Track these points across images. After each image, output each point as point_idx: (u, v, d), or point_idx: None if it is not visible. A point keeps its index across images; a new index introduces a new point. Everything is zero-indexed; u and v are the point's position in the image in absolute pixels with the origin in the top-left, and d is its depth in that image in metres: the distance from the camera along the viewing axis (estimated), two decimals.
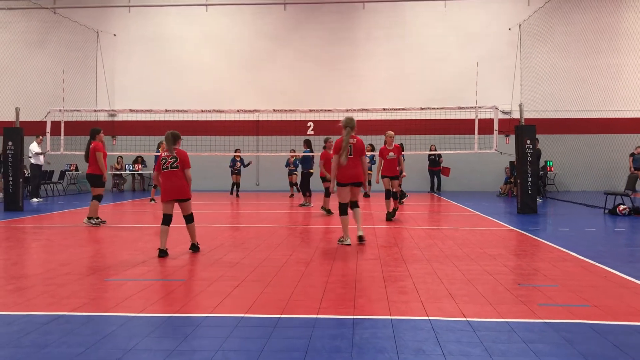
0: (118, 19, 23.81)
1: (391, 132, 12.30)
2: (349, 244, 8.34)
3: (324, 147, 13.37)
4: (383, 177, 12.13)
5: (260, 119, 21.65)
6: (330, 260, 7.19)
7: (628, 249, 8.53)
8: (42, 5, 22.57)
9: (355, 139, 8.66)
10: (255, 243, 8.77)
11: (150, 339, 4.10)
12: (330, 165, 10.19)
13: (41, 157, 17.47)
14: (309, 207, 15.10)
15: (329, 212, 13.17)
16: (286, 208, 15.44)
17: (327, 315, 4.69)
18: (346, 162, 8.42)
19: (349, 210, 8.62)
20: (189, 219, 7.96)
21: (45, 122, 15.82)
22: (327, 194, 13.13)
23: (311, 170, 16.15)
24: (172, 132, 8.00)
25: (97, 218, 11.30)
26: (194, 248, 7.96)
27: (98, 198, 11.26)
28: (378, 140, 19.68)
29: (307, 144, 16.15)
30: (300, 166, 16.59)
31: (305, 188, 15.90)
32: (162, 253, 7.57)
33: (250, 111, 17.35)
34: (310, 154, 16.08)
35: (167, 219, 7.76)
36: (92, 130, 11.69)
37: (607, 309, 4.88)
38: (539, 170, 18.25)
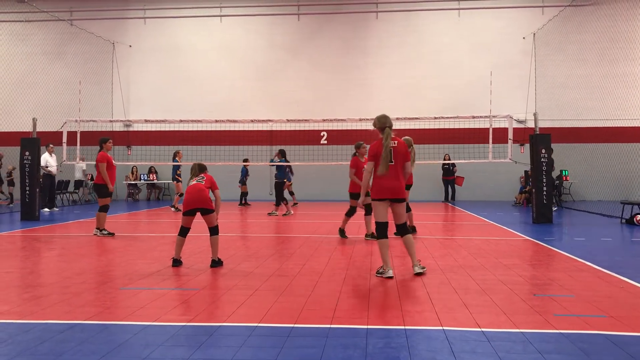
0: (133, 30, 24.09)
1: (409, 138, 11.32)
2: (391, 277, 6.66)
3: (355, 154, 11.07)
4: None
5: (274, 128, 21.73)
6: (343, 270, 7.17)
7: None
8: (59, 17, 22.93)
9: (396, 141, 7.04)
10: (268, 252, 8.78)
11: (164, 348, 4.12)
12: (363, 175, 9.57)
13: (53, 167, 17.56)
14: (290, 216, 15.43)
15: (374, 236, 10.43)
16: (297, 217, 15.44)
17: (341, 325, 4.68)
18: (386, 171, 6.85)
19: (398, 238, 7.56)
20: (213, 230, 7.83)
21: (62, 132, 16.01)
22: (368, 211, 10.28)
23: (285, 180, 16.34)
24: (199, 163, 8.14)
25: (104, 230, 11.17)
26: (214, 264, 7.58)
27: (104, 209, 11.14)
28: None
29: (282, 153, 16.24)
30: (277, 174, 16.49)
31: (279, 197, 16.17)
32: (176, 263, 7.62)
33: (263, 121, 17.42)
34: (285, 164, 16.11)
35: (184, 231, 7.82)
36: (100, 140, 11.68)
37: (623, 320, 4.82)
38: (554, 179, 18.14)
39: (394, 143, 6.97)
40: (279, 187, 16.18)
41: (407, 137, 11.17)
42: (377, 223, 6.90)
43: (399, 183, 6.86)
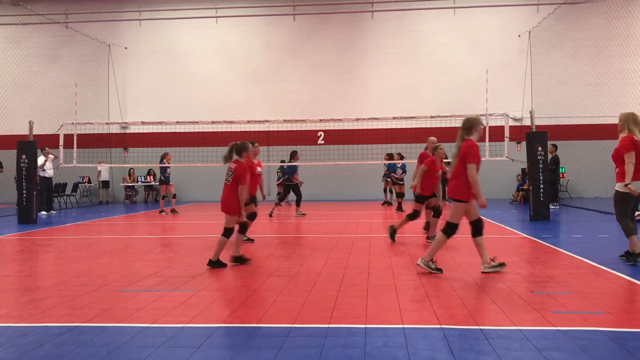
0: (129, 33, 24.06)
1: (434, 139, 11.02)
2: (440, 271, 6.88)
3: (429, 150, 10.45)
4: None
5: (271, 129, 21.73)
6: (341, 270, 7.18)
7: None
8: (55, 20, 22.89)
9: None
10: (266, 253, 8.78)
11: (163, 350, 4.12)
12: (422, 176, 9.64)
13: (49, 170, 17.46)
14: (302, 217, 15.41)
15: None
16: (294, 218, 15.44)
17: (339, 324, 4.69)
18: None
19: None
20: (223, 231, 7.66)
21: (58, 135, 15.99)
22: (437, 213, 10.13)
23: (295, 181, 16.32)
24: (235, 143, 7.96)
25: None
26: (210, 264, 7.50)
27: (252, 217, 9.75)
28: (387, 149, 19.69)
29: (292, 155, 16.31)
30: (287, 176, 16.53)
31: (283, 198, 16.42)
32: (213, 264, 7.51)
33: (260, 122, 17.43)
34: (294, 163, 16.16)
35: (227, 232, 7.67)
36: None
37: (621, 316, 4.84)
38: (558, 177, 18.17)
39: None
40: (289, 187, 16.22)
41: (432, 137, 11.09)
42: (451, 224, 6.97)
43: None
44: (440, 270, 6.87)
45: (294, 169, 16.05)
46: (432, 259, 6.92)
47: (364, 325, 4.63)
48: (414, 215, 9.83)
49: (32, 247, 10.14)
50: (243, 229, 7.82)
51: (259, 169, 10.31)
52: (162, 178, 17.33)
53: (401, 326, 4.61)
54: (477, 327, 4.55)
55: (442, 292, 5.83)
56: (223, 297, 5.74)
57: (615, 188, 7.65)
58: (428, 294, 5.76)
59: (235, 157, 7.85)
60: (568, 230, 11.79)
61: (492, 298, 5.55)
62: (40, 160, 17.09)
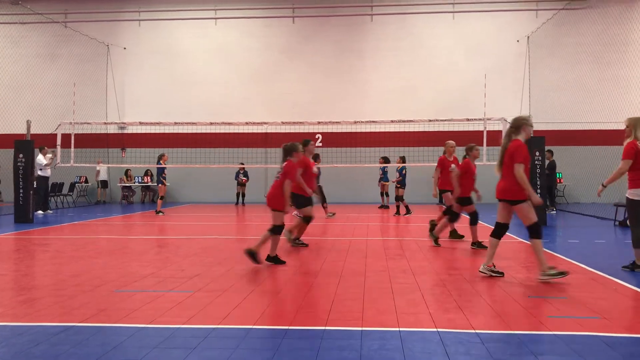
0: (128, 33, 24.06)
1: (452, 142, 10.86)
2: (501, 274, 6.82)
3: (466, 156, 10.06)
4: (444, 192, 10.51)
5: (269, 130, 21.75)
6: (338, 272, 7.18)
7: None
8: (54, 19, 22.88)
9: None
10: (264, 254, 8.76)
11: (159, 350, 4.11)
12: (458, 180, 9.62)
13: (48, 169, 17.44)
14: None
15: (481, 245, 9.46)
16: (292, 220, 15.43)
17: (335, 327, 4.69)
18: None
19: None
20: (270, 228, 7.74)
21: (56, 134, 15.97)
22: (454, 217, 9.98)
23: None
24: (285, 145, 8.16)
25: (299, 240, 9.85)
26: (248, 253, 7.58)
27: (307, 220, 9.66)
28: (385, 152, 19.69)
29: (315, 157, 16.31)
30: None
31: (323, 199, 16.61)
32: (272, 260, 7.78)
33: (258, 123, 17.45)
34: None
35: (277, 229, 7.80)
36: (302, 142, 9.84)
37: (617, 321, 4.85)
38: (554, 182, 18.20)
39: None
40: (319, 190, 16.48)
41: (451, 141, 11.00)
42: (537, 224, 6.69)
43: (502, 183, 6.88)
44: (501, 273, 6.79)
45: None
46: (548, 266, 6.59)
47: (360, 328, 4.63)
48: (454, 218, 9.94)
49: (29, 246, 10.12)
50: (277, 230, 7.78)
51: (315, 168, 10.12)
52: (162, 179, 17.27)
53: (397, 329, 4.61)
54: (473, 331, 4.55)
55: (438, 296, 5.83)
56: (220, 298, 5.73)
57: (626, 195, 7.49)
58: (424, 297, 5.77)
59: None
60: (565, 236, 11.81)
61: (489, 302, 5.56)
62: (47, 159, 17.05)
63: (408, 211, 16.50)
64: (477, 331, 4.55)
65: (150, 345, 4.21)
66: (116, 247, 9.76)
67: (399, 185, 16.96)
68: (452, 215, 9.93)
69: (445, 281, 6.60)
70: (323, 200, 16.38)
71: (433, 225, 10.27)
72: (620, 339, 4.37)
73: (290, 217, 12.49)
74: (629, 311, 5.23)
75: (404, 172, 17.01)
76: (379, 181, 19.52)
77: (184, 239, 11.18)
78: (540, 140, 13.83)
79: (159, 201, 17.20)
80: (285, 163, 7.93)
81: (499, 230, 6.92)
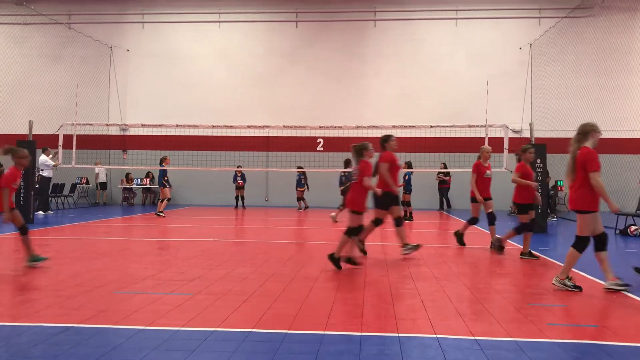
0: (132, 35, 24.11)
1: (489, 147, 10.34)
2: (579, 289, 6.39)
3: (519, 159, 9.50)
4: (473, 200, 10.25)
5: (270, 134, 21.76)
6: (338, 277, 7.18)
7: None
8: (58, 20, 22.93)
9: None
10: (263, 258, 8.77)
11: (157, 352, 4.11)
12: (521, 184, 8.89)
13: (51, 170, 17.43)
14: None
15: (532, 256, 9.07)
16: (292, 224, 15.43)
17: (335, 331, 4.69)
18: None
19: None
20: (347, 230, 7.68)
21: (58, 135, 15.98)
22: (492, 220, 9.72)
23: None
24: (353, 146, 8.12)
25: (409, 245, 9.01)
26: (331, 259, 7.63)
27: (399, 222, 8.93)
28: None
29: (346, 163, 16.80)
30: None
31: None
32: (353, 261, 7.79)
33: (260, 127, 17.46)
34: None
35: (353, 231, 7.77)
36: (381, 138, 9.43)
37: (616, 330, 4.84)
38: (549, 189, 18.19)
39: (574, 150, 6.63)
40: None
41: (487, 146, 10.51)
42: (584, 238, 6.49)
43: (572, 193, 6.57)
44: (579, 288, 6.41)
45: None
46: (567, 276, 6.46)
47: (359, 333, 4.62)
48: (524, 227, 9.02)
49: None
50: (354, 232, 7.68)
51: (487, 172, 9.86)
52: (163, 181, 17.23)
53: (396, 335, 4.61)
54: (473, 338, 4.55)
55: (438, 302, 5.83)
56: (219, 301, 5.72)
57: None
58: (424, 303, 5.76)
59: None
60: (565, 243, 11.78)
61: (488, 309, 5.55)
62: (43, 158, 17.06)
63: (409, 217, 16.57)
64: (477, 338, 4.54)
65: (149, 347, 4.21)
66: (116, 249, 9.75)
67: (404, 191, 17.00)
68: (525, 226, 8.98)
69: (445, 287, 6.59)
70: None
71: (499, 244, 9.62)
72: (620, 348, 4.36)
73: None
74: (628, 320, 5.22)
75: (405, 177, 17.03)
76: None
77: (183, 241, 11.18)
78: (542, 148, 13.85)
79: (160, 203, 17.18)
80: (359, 164, 7.84)
81: (602, 241, 6.52)
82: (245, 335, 4.56)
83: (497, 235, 10.00)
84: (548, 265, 8.43)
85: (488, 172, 9.97)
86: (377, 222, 8.89)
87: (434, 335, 4.59)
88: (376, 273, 7.51)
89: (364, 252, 9.01)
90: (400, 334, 4.62)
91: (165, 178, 17.11)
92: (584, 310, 5.51)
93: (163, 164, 16.96)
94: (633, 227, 12.82)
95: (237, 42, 23.79)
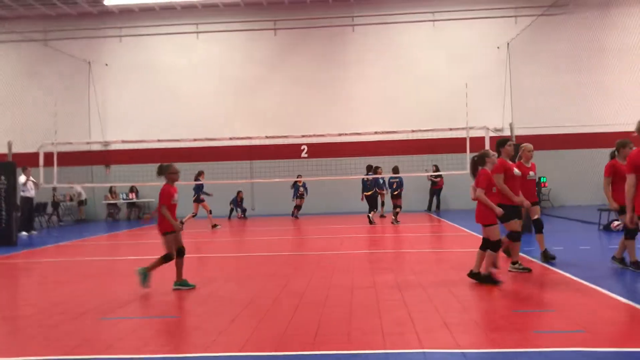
0: (109, 49, 23.96)
1: (530, 145, 9.02)
2: None
3: (614, 156, 8.42)
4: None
5: (253, 143, 21.71)
6: (324, 290, 7.14)
7: (623, 268, 8.45)
8: (33, 38, 22.72)
9: None
10: (247, 273, 8.72)
11: None
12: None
13: (30, 190, 17.18)
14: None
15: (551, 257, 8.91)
16: (277, 233, 15.39)
17: (322, 351, 4.67)
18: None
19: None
20: (482, 245, 7.25)
21: (38, 153, 15.80)
22: (516, 237, 7.99)
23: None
24: (476, 154, 7.54)
25: (519, 263, 8.09)
26: (472, 275, 7.23)
27: (515, 237, 8.02)
28: (370, 162, 19.73)
29: (368, 168, 17.58)
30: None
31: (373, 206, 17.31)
32: (479, 277, 7.20)
33: (242, 138, 17.49)
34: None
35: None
36: (497, 143, 8.60)
37: (602, 335, 4.87)
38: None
39: None
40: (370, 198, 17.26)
41: (527, 144, 9.07)
42: None
43: None
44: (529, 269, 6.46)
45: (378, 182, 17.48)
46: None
47: (346, 352, 4.61)
48: (515, 236, 7.95)
49: (12, 271, 10.00)
50: (492, 245, 7.24)
51: (515, 170, 8.20)
52: (198, 195, 17.03)
53: (384, 351, 4.60)
54: (459, 351, 4.55)
55: (424, 313, 5.83)
56: (205, 323, 5.68)
57: None
58: (410, 315, 5.76)
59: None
60: (549, 242, 11.80)
61: (474, 318, 5.56)
62: (22, 179, 16.88)
63: (383, 216, 16.97)
64: (463, 350, 4.55)
65: None
66: (102, 270, 9.66)
67: (395, 193, 17.18)
68: (512, 235, 8.01)
69: (432, 296, 6.60)
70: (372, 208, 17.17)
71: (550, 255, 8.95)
72: (605, 354, 4.39)
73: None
74: (614, 324, 5.26)
75: (390, 180, 17.21)
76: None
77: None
78: None
79: (209, 216, 17.22)
80: (478, 173, 7.29)
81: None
82: None
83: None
84: (534, 268, 8.40)
85: (531, 173, 8.84)
86: (514, 236, 7.90)
87: (421, 350, 4.59)
88: (363, 284, 7.47)
89: (525, 269, 8.01)
90: (387, 350, 4.61)
91: (203, 191, 16.98)
92: (571, 316, 5.53)
93: (200, 178, 16.82)
94: (616, 223, 12.95)
95: (216, 53, 23.75)
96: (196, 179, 16.91)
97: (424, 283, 7.44)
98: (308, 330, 5.27)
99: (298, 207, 20.79)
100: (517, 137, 14.77)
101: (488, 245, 7.21)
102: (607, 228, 13.09)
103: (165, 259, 7.43)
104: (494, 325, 5.30)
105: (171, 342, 5.06)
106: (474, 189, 7.28)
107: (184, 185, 20.71)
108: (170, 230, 7.45)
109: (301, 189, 20.54)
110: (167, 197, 7.43)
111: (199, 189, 16.99)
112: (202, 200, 16.97)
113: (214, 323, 5.67)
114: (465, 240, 12.35)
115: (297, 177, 20.13)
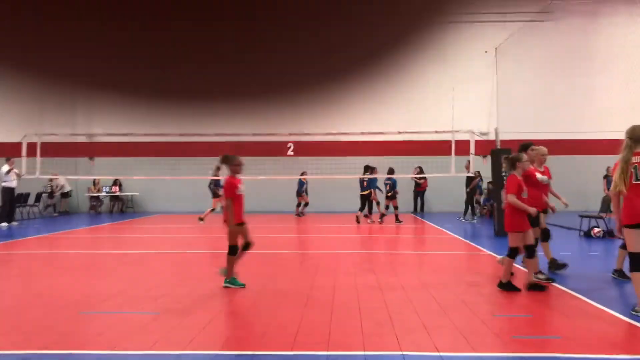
0: None
1: (544, 149, 8.74)
2: None
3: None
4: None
5: (241, 140, 21.62)
6: (307, 291, 7.16)
7: (602, 274, 8.54)
8: None
9: None
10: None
11: None
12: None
13: (13, 180, 16.97)
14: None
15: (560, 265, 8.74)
16: (264, 231, 15.38)
17: (302, 351, 4.69)
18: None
19: None
20: (509, 253, 7.20)
21: (21, 143, 15.61)
22: (531, 253, 7.20)
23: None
24: (508, 156, 7.56)
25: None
26: (501, 285, 7.09)
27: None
28: (361, 161, 19.76)
29: (365, 169, 17.46)
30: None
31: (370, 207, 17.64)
32: (503, 286, 7.07)
33: (229, 134, 17.40)
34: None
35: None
36: (520, 146, 8.54)
37: (578, 341, 4.94)
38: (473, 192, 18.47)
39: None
40: (365, 198, 17.42)
41: (541, 147, 8.90)
42: (633, 255, 5.83)
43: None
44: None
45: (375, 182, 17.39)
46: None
47: (325, 352, 4.63)
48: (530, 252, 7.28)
49: None
50: (530, 252, 7.12)
51: (538, 175, 8.12)
52: (216, 191, 16.88)
53: (362, 353, 4.63)
54: (437, 354, 4.59)
55: (404, 315, 5.86)
56: (186, 320, 5.67)
57: None
58: (391, 316, 5.79)
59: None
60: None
61: (454, 321, 5.60)
62: (5, 168, 16.70)
63: (381, 218, 16.96)
64: (441, 354, 4.59)
65: None
66: (83, 264, 9.58)
67: (389, 194, 17.29)
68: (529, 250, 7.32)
69: (412, 298, 6.64)
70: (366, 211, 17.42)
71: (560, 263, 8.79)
72: None
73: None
74: (590, 330, 5.33)
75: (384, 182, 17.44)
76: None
77: (153, 253, 11.04)
78: (507, 152, 14.01)
79: (210, 211, 17.31)
80: (507, 177, 7.25)
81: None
82: (213, 358, 4.52)
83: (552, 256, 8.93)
84: (515, 273, 8.47)
85: (545, 178, 8.58)
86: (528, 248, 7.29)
87: (400, 353, 4.62)
88: (345, 285, 7.49)
89: (549, 279, 7.57)
90: (366, 352, 4.64)
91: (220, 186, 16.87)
92: (549, 321, 5.61)
93: (217, 173, 16.66)
94: (596, 229, 13.10)
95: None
96: (215, 174, 16.84)
97: (405, 285, 7.48)
98: (289, 330, 5.28)
99: (306, 204, 20.73)
100: (502, 141, 14.91)
101: (512, 252, 7.14)
102: (587, 234, 13.23)
103: (231, 251, 7.34)
104: (473, 328, 5.34)
105: (151, 338, 5.03)
106: (504, 196, 7.16)
107: (188, 181, 20.70)
108: (239, 222, 7.37)
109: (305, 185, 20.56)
110: (232, 189, 7.35)
111: (216, 184, 16.90)
112: (220, 195, 16.87)
113: (194, 320, 5.66)
114: (447, 242, 12.43)
115: (301, 175, 20.19)
